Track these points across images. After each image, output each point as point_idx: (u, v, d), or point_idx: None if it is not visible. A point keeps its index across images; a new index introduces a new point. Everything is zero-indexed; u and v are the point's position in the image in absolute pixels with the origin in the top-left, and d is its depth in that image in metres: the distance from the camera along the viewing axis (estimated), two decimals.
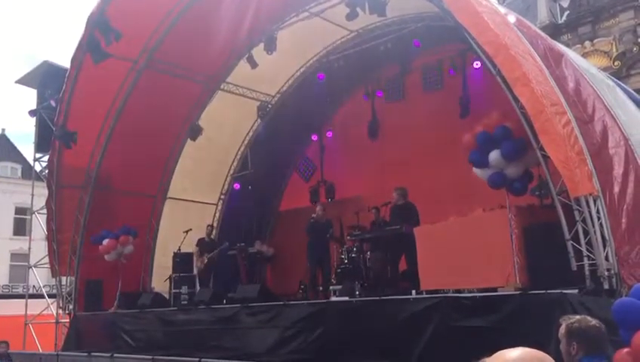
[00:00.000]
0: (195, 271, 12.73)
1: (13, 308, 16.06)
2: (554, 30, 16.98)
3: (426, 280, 7.63)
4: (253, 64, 12.59)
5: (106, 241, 12.20)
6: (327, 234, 10.78)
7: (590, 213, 6.14)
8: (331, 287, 10.08)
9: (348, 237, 10.60)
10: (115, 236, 12.26)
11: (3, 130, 37.66)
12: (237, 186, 15.20)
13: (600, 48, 16.59)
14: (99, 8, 10.52)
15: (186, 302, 11.22)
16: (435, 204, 10.04)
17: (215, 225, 14.97)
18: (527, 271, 6.57)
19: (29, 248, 15.24)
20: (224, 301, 10.13)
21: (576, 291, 5.89)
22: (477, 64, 10.60)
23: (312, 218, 10.97)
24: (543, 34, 8.41)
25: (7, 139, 37.13)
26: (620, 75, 15.55)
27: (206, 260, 12.61)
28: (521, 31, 7.25)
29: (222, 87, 13.65)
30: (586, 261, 6.13)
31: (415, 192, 10.04)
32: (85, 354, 10.11)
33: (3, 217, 32.61)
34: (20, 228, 31.74)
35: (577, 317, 3.28)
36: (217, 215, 15.22)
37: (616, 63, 16.49)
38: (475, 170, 7.30)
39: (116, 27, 10.34)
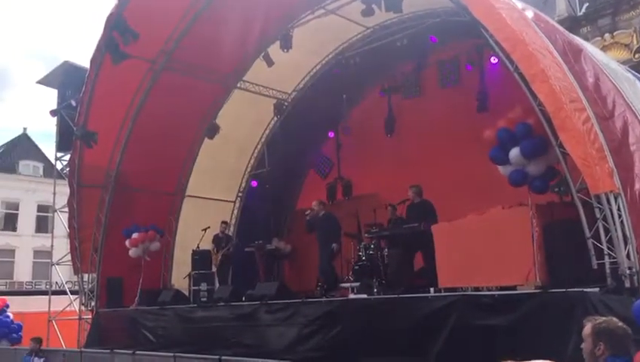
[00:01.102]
0: (214, 269, 12.87)
1: (37, 304, 16.37)
2: (572, 23, 16.70)
3: (444, 278, 7.61)
4: (270, 62, 12.66)
5: (135, 235, 12.42)
6: (333, 228, 10.50)
7: (611, 210, 6.07)
8: (349, 284, 10.10)
9: (365, 235, 10.59)
10: (145, 230, 12.52)
11: (25, 129, 38.30)
12: (254, 184, 15.30)
13: (620, 41, 16.27)
14: (117, 10, 10.63)
15: (205, 299, 11.32)
16: (452, 201, 9.98)
17: (233, 222, 15.10)
18: (547, 270, 6.52)
19: (52, 245, 15.51)
20: (243, 298, 10.20)
21: (597, 290, 5.83)
22: (494, 59, 10.53)
23: (306, 214, 10.78)
24: (561, 28, 8.30)
25: (29, 138, 37.75)
26: None
27: (220, 256, 12.75)
28: (539, 26, 7.18)
29: (239, 85, 13.71)
30: (606, 259, 6.06)
31: (432, 189, 10.00)
32: (108, 350, 10.26)
33: (26, 215, 33.27)
34: (42, 225, 32.36)
35: (604, 317, 3.27)
36: (235, 212, 15.33)
37: (636, 56, 16.15)
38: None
39: (134, 28, 10.45)
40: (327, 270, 10.43)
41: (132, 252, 12.49)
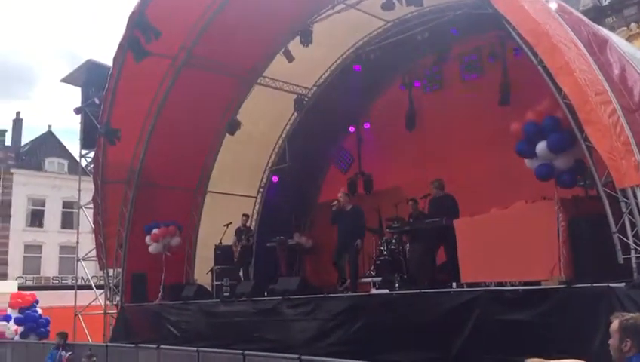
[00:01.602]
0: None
1: (64, 299, 16.72)
2: (597, 13, 16.40)
3: (466, 273, 7.55)
4: (290, 58, 12.68)
5: (155, 230, 12.58)
6: (360, 223, 10.16)
7: (637, 204, 5.96)
8: (370, 279, 10.09)
9: (387, 229, 10.56)
10: (166, 225, 12.67)
11: (50, 126, 38.90)
12: (275, 179, 15.37)
13: None
14: (139, 8, 10.74)
15: (227, 294, 11.41)
16: (474, 195, 9.90)
17: (254, 217, 15.21)
18: (572, 264, 6.43)
19: (77, 241, 15.79)
20: (265, 293, 10.27)
21: (623, 284, 5.72)
22: (517, 51, 10.38)
23: (333, 205, 10.38)
24: (585, 19, 8.14)
25: (54, 135, 38.32)
26: None
27: (239, 248, 12.85)
28: (563, 18, 7.05)
29: (259, 81, 13.77)
30: (633, 254, 5.95)
31: (454, 183, 9.94)
32: (133, 345, 10.43)
33: (52, 211, 33.84)
34: (68, 221, 32.89)
35: (632, 314, 3.23)
36: (257, 207, 15.43)
37: None
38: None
39: (156, 26, 10.56)
40: (354, 264, 10.25)
41: (152, 248, 12.63)
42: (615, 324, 3.13)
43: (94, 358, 9.55)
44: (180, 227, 13.00)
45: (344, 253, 10.12)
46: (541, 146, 6.66)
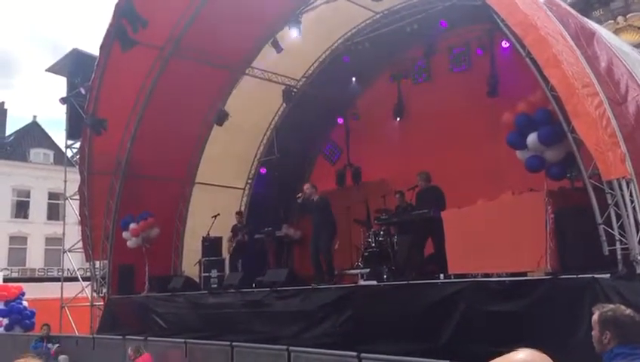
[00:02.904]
0: (227, 255, 12.93)
1: (49, 291, 16.56)
2: (585, 5, 16.47)
3: (453, 264, 7.58)
4: (279, 48, 12.60)
5: (133, 225, 12.49)
6: (326, 212, 10.10)
7: (623, 196, 6.02)
8: (358, 271, 10.10)
9: (375, 221, 10.58)
10: (143, 218, 12.56)
11: (34, 117, 38.45)
12: (263, 171, 15.32)
13: (633, 23, 16.04)
14: None
15: (215, 286, 11.39)
16: (462, 187, 9.94)
17: (243, 209, 15.15)
18: (558, 256, 6.48)
19: (63, 233, 15.64)
20: (253, 285, 10.25)
21: (607, 276, 5.78)
22: (505, 43, 10.43)
23: (297, 197, 10.42)
24: (573, 12, 8.17)
25: (39, 126, 37.90)
26: None
27: (234, 244, 12.79)
28: (551, 10, 7.08)
29: (247, 71, 13.67)
30: (618, 245, 6.02)
31: (442, 175, 9.97)
32: (120, 337, 10.37)
33: (37, 202, 33.51)
34: (54, 212, 32.59)
35: (612, 305, 3.24)
36: (245, 199, 15.39)
37: None
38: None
39: (143, 15, 10.42)
40: (327, 256, 10.14)
41: (131, 242, 12.51)
42: (595, 316, 3.14)
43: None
44: (152, 215, 12.78)
45: (318, 243, 10.00)
46: (532, 138, 6.69)
